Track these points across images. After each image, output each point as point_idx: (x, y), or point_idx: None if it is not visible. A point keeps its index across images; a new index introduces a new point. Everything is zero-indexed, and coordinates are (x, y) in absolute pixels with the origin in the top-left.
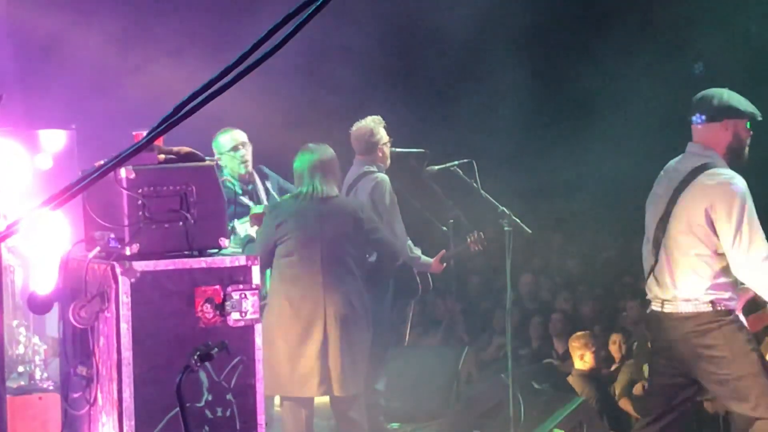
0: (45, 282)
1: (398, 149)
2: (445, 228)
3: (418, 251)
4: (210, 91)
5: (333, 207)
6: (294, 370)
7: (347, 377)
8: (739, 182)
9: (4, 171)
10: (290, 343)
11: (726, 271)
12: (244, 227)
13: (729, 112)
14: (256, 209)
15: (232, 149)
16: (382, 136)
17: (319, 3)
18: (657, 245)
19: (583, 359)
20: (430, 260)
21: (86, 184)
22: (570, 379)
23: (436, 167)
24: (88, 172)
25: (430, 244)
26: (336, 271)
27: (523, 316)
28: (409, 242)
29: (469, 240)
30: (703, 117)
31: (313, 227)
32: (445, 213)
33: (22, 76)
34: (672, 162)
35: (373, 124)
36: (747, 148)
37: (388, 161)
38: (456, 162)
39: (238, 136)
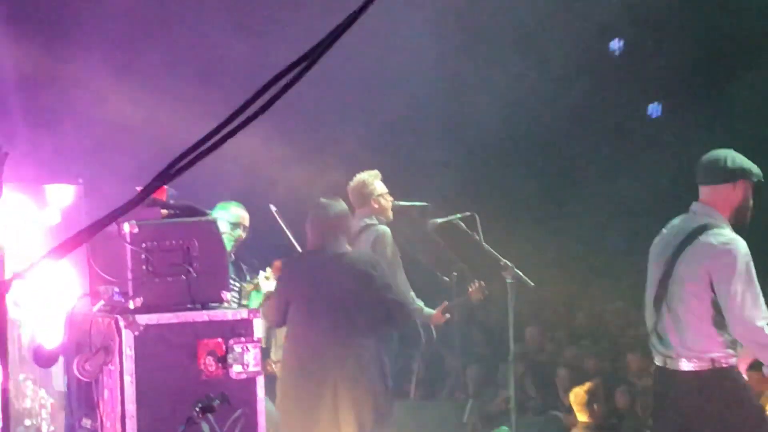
0: (51, 336)
1: (400, 202)
2: (447, 279)
3: (420, 303)
4: (199, 150)
5: (344, 264)
6: (308, 429)
7: None
8: (740, 244)
9: (12, 225)
10: (303, 403)
11: (727, 329)
12: (268, 283)
13: (743, 173)
14: (277, 263)
15: (232, 226)
16: (376, 188)
17: (304, 65)
18: (659, 302)
19: (587, 412)
20: (433, 311)
21: (86, 236)
22: None
23: (439, 220)
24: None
25: (432, 296)
26: (346, 328)
27: (529, 368)
28: (412, 293)
29: (470, 290)
30: (716, 178)
31: (323, 284)
32: (449, 265)
33: (30, 132)
34: (675, 220)
35: (367, 175)
36: (751, 209)
37: (389, 213)
38: (458, 215)
39: (244, 217)
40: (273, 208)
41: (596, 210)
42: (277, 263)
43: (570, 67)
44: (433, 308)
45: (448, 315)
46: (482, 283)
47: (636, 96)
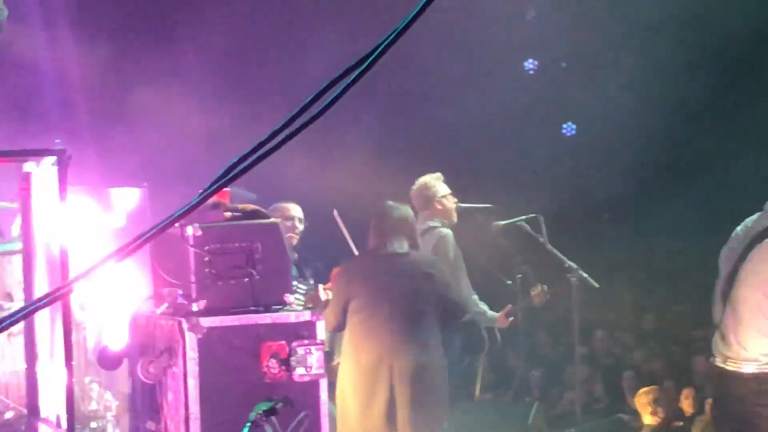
0: (115, 338)
1: (464, 204)
2: (510, 282)
3: (484, 306)
4: (259, 153)
5: (404, 264)
6: (363, 429)
7: None
8: None
9: (77, 228)
10: (359, 402)
11: None
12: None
13: None
14: (336, 270)
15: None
16: (438, 190)
17: (362, 68)
18: (724, 301)
19: (652, 414)
20: (497, 315)
21: (148, 238)
22: None
23: (503, 222)
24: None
25: (496, 299)
26: (406, 327)
27: (595, 370)
28: (475, 297)
29: (532, 293)
30: None
31: (383, 284)
32: (513, 268)
33: (95, 135)
34: (749, 219)
35: (429, 178)
36: None
37: (453, 216)
38: (523, 217)
39: (289, 207)
40: (335, 213)
41: (666, 212)
42: (336, 271)
43: (676, 66)
44: (497, 311)
45: (512, 318)
46: (545, 286)
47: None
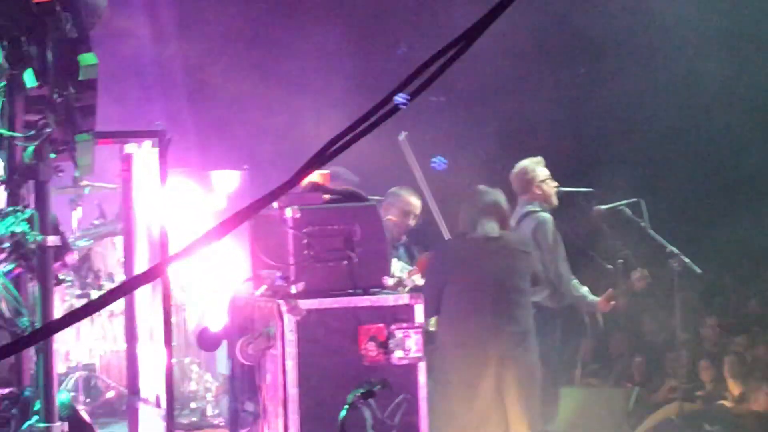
0: (215, 319)
1: (565, 188)
2: (610, 267)
3: (584, 290)
4: (354, 132)
5: (498, 246)
6: (470, 411)
7: (523, 417)
8: None
9: (179, 210)
10: (464, 384)
11: None
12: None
13: None
14: (422, 256)
15: (404, 213)
16: (537, 174)
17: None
18: None
19: (756, 401)
20: (597, 299)
21: (243, 217)
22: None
23: (604, 206)
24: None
25: (596, 284)
26: (505, 309)
27: (697, 356)
28: (575, 281)
29: (633, 278)
30: None
31: (479, 267)
32: (614, 252)
33: (196, 119)
34: None
35: (529, 162)
36: None
37: (553, 199)
38: (624, 201)
39: (416, 205)
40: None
41: None
42: (422, 259)
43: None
44: (598, 296)
45: (613, 303)
46: (645, 271)
47: None
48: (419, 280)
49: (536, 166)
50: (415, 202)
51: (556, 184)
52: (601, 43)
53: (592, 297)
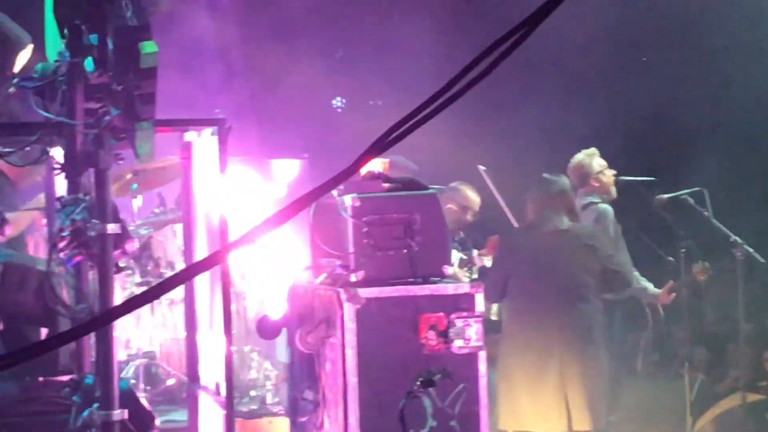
0: (275, 308)
1: (626, 177)
2: (671, 258)
3: (645, 282)
4: (415, 119)
5: (565, 237)
6: (534, 404)
7: (588, 411)
8: None
9: (239, 198)
10: (528, 377)
11: None
12: (480, 258)
13: None
14: (493, 238)
15: (461, 208)
16: (594, 167)
17: (524, 31)
18: None
19: None
20: (659, 291)
21: (301, 205)
22: None
23: (666, 196)
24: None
25: (658, 275)
26: (571, 301)
27: (762, 348)
28: (636, 273)
29: (694, 270)
30: None
31: (545, 258)
32: (676, 242)
33: (256, 107)
34: None
35: (583, 155)
36: None
37: (612, 190)
38: (687, 190)
39: (475, 201)
40: (481, 168)
41: None
42: (493, 239)
43: None
44: (659, 287)
45: (674, 294)
46: (707, 264)
47: None
48: (488, 261)
49: (591, 159)
50: (474, 198)
51: (613, 173)
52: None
53: (653, 289)
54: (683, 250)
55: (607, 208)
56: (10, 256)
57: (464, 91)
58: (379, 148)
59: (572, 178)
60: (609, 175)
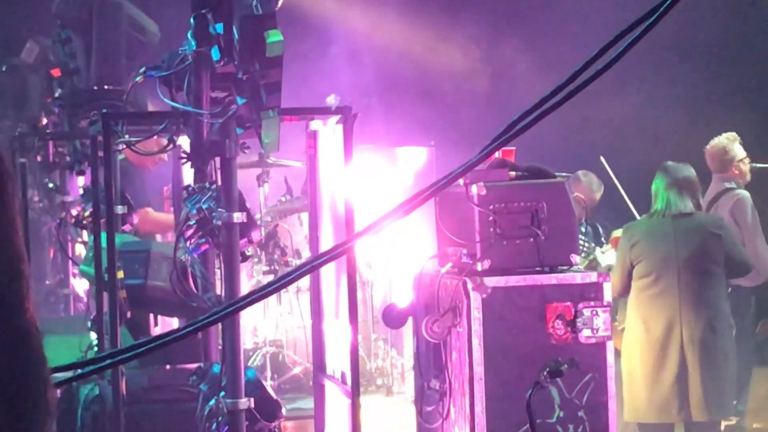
0: (402, 297)
1: (760, 164)
2: None
3: None
4: (541, 109)
5: (689, 224)
6: (652, 395)
7: (708, 402)
8: None
9: (366, 186)
10: (647, 368)
11: None
12: (605, 257)
13: None
14: (616, 232)
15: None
16: (737, 153)
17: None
18: None
19: None
20: None
21: (428, 195)
22: None
23: None
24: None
25: None
26: (695, 290)
27: None
28: None
29: None
30: None
31: (668, 246)
32: None
33: (382, 95)
34: None
35: (727, 141)
36: None
37: (748, 177)
38: None
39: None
40: (603, 160)
41: None
42: (616, 234)
43: None
44: None
45: None
46: None
47: None
48: (612, 259)
49: (733, 145)
50: (596, 189)
51: (749, 160)
52: None
53: None
54: None
55: (746, 194)
56: (154, 245)
57: (587, 83)
58: (503, 139)
59: (711, 162)
60: (747, 163)
